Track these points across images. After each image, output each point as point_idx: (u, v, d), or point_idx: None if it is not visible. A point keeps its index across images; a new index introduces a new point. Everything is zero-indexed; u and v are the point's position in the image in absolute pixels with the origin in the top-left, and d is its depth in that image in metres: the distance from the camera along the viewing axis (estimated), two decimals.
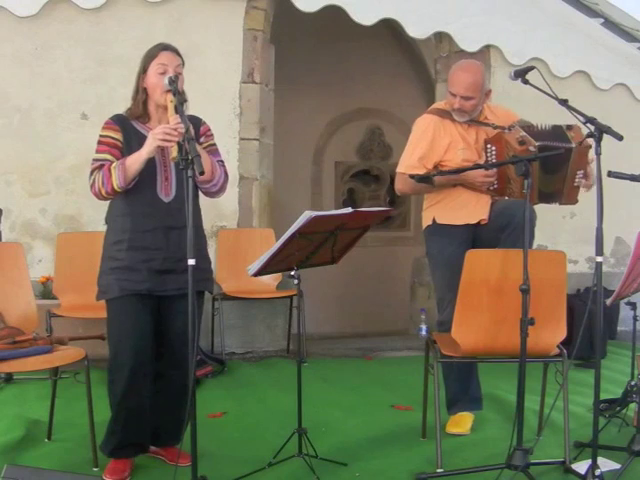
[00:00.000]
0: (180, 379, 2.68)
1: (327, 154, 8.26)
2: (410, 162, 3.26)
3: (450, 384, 3.36)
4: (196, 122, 2.79)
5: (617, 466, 2.77)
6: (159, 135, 2.51)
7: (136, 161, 2.58)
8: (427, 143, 3.25)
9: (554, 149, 2.95)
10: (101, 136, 2.70)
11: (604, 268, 2.57)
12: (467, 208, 3.26)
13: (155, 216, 2.68)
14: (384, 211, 3.04)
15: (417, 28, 5.27)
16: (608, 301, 3.03)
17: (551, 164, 3.04)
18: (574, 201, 3.20)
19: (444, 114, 3.29)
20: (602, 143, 2.55)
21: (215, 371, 4.40)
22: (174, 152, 2.43)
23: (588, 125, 2.59)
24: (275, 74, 5.48)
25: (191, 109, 2.75)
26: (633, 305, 3.42)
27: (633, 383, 3.26)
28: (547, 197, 3.19)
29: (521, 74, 2.87)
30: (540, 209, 3.19)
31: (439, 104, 3.45)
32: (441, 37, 5.67)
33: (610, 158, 2.86)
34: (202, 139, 2.80)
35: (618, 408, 3.41)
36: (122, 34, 4.86)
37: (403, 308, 6.98)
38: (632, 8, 5.79)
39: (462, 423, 3.32)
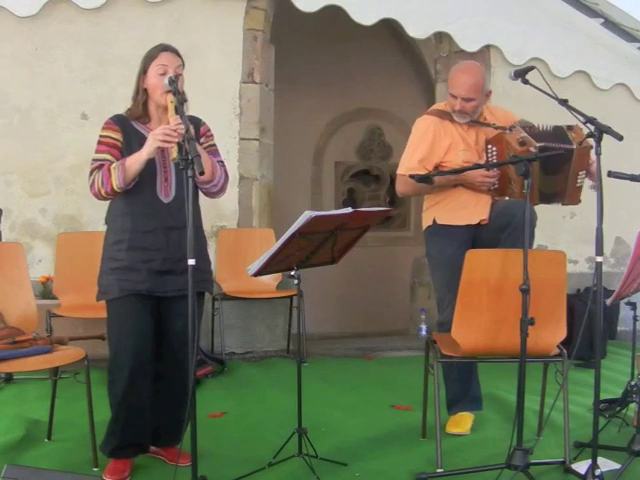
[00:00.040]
0: (180, 379, 2.67)
1: (327, 154, 8.26)
2: (410, 164, 3.26)
3: (450, 384, 3.36)
4: (196, 122, 2.79)
5: (617, 466, 2.77)
6: (159, 136, 2.50)
7: (136, 161, 2.58)
8: (427, 145, 3.25)
9: (555, 150, 2.95)
10: (101, 136, 2.70)
11: (604, 268, 2.57)
12: (467, 209, 3.26)
13: (155, 217, 2.68)
14: (384, 211, 3.04)
15: (417, 28, 5.27)
16: (608, 301, 3.03)
17: (551, 165, 3.04)
18: (577, 201, 3.21)
19: (444, 115, 3.29)
20: (602, 143, 2.56)
21: (215, 371, 4.39)
22: (174, 153, 2.43)
23: (588, 125, 2.60)
24: (275, 74, 5.47)
25: (191, 109, 2.75)
26: (633, 305, 3.42)
27: (633, 383, 3.26)
28: (549, 197, 3.20)
29: (521, 74, 2.87)
30: (540, 209, 3.19)
31: (439, 105, 3.45)
32: (441, 37, 5.67)
33: (610, 158, 2.86)
34: (202, 139, 2.80)
35: (618, 408, 3.41)
36: (122, 34, 4.86)
37: (403, 308, 6.98)
38: (632, 8, 5.80)
39: (462, 423, 3.32)
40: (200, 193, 2.84)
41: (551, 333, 2.81)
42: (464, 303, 2.78)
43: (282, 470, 2.82)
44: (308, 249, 2.77)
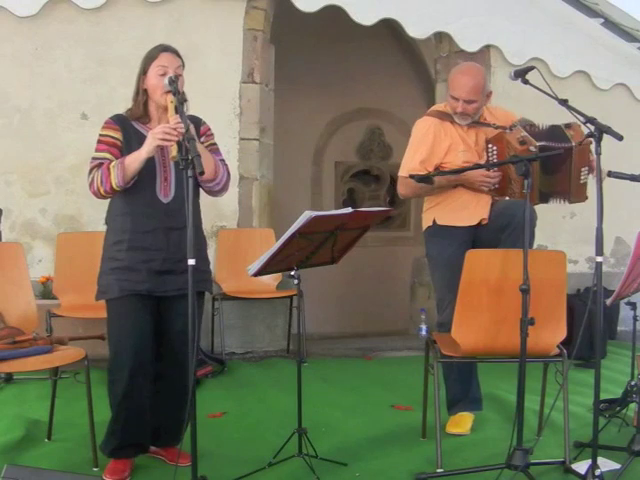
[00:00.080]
0: (180, 379, 2.67)
1: (327, 154, 8.26)
2: (412, 165, 3.26)
3: (450, 384, 3.36)
4: (196, 122, 2.79)
5: (617, 466, 2.77)
6: (159, 135, 2.51)
7: (135, 160, 2.58)
8: (428, 146, 3.25)
9: (554, 149, 2.95)
10: (101, 135, 2.70)
11: (604, 268, 2.57)
12: (468, 209, 3.26)
13: (155, 217, 2.68)
14: (384, 211, 3.04)
15: (417, 28, 5.27)
16: (608, 301, 3.03)
17: (550, 164, 3.04)
18: (583, 198, 3.19)
19: (444, 116, 3.29)
20: (602, 143, 2.55)
21: (215, 371, 4.39)
22: (174, 151, 2.43)
23: (588, 125, 2.59)
24: (275, 74, 5.47)
25: (191, 109, 2.75)
26: (633, 305, 3.42)
27: (633, 383, 3.26)
28: (548, 197, 3.19)
29: (521, 74, 2.87)
30: (540, 209, 3.19)
31: (438, 106, 3.45)
32: (441, 37, 5.67)
33: (610, 158, 2.86)
34: (202, 139, 2.80)
35: (618, 408, 3.41)
36: (122, 34, 4.86)
37: (403, 308, 6.98)
38: (632, 8, 5.80)
39: (462, 423, 3.32)
40: (201, 193, 2.84)
41: (551, 333, 2.81)
42: (464, 303, 2.78)
43: (282, 470, 2.82)
44: (308, 249, 2.77)
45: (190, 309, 2.32)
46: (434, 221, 3.32)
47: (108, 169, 2.59)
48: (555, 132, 3.07)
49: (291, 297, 4.97)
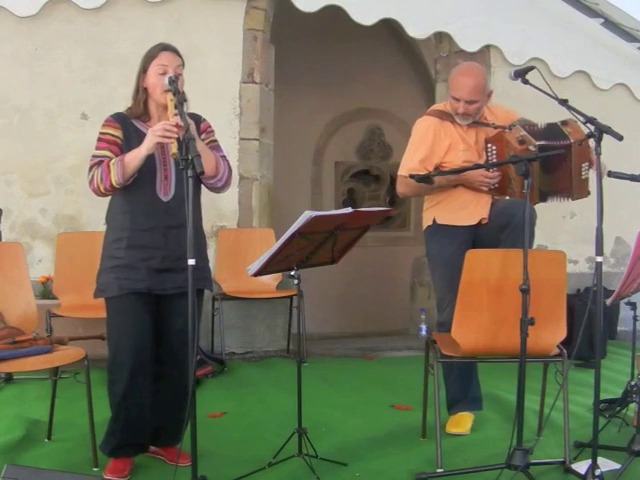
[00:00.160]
0: (180, 379, 2.67)
1: (327, 154, 8.25)
2: (411, 165, 3.26)
3: (450, 384, 3.36)
4: (196, 119, 2.79)
5: (617, 466, 2.77)
6: (158, 132, 2.51)
7: (135, 157, 2.58)
8: (427, 146, 3.25)
9: (553, 148, 2.94)
10: (101, 133, 2.70)
11: (604, 268, 2.57)
12: (468, 209, 3.27)
13: (154, 215, 2.68)
14: (384, 211, 3.04)
15: (417, 28, 5.27)
16: (608, 301, 3.03)
17: (550, 163, 3.04)
18: (586, 193, 3.18)
19: (444, 116, 3.29)
20: (602, 143, 2.55)
21: (215, 371, 4.39)
22: (174, 148, 2.44)
23: (588, 125, 2.59)
24: (275, 74, 5.47)
25: (191, 109, 2.76)
26: (633, 305, 3.42)
27: (633, 383, 3.26)
28: (552, 195, 3.18)
29: (521, 74, 2.87)
30: (540, 209, 3.19)
31: (438, 105, 3.45)
32: (441, 37, 5.67)
33: (610, 158, 2.86)
34: (203, 136, 2.80)
35: (618, 408, 3.41)
36: (122, 34, 4.86)
37: (403, 308, 6.98)
38: (632, 8, 5.79)
39: (462, 423, 3.32)
40: (201, 191, 2.84)
41: (551, 333, 2.81)
42: (464, 303, 2.78)
43: (282, 470, 2.82)
44: (308, 249, 2.77)
45: (190, 309, 2.32)
46: (434, 220, 3.33)
47: (108, 167, 2.59)
48: (553, 130, 3.07)
49: (291, 297, 4.97)
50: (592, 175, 3.04)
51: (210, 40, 5.01)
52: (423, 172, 3.20)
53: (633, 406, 3.21)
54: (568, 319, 2.83)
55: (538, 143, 2.97)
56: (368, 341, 5.96)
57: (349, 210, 2.66)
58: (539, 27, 5.59)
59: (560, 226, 5.71)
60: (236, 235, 5.07)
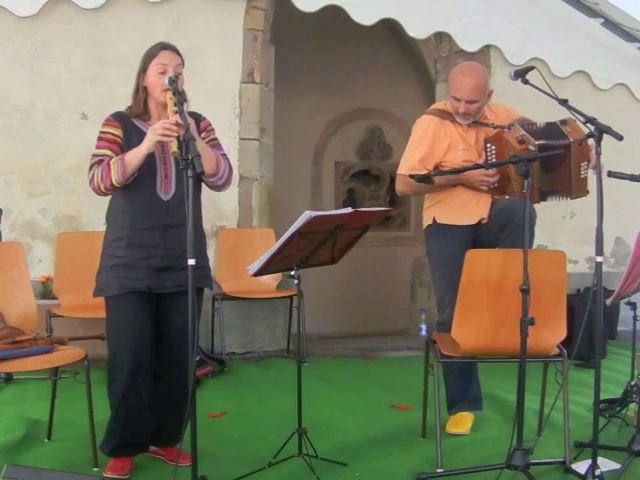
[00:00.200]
0: (180, 379, 2.67)
1: (327, 154, 8.25)
2: (411, 163, 3.26)
3: (450, 384, 3.36)
4: (196, 118, 2.80)
5: (617, 466, 2.77)
6: (158, 130, 2.51)
7: (135, 156, 2.58)
8: (427, 144, 3.25)
9: (552, 147, 2.94)
10: (101, 132, 2.70)
11: (604, 268, 2.57)
12: (467, 208, 3.27)
13: (153, 214, 2.68)
14: (384, 211, 3.04)
15: (417, 28, 5.27)
16: (608, 301, 3.03)
17: (549, 163, 3.04)
18: (584, 192, 3.18)
19: (444, 115, 3.29)
20: (602, 143, 2.55)
21: (215, 371, 4.39)
22: (174, 147, 2.44)
23: (588, 125, 2.59)
24: (275, 74, 5.47)
25: (191, 109, 2.76)
26: (633, 305, 3.42)
27: (633, 383, 3.26)
28: (551, 194, 3.18)
29: (521, 74, 2.87)
30: (540, 209, 3.19)
31: (439, 104, 3.45)
32: (441, 37, 5.67)
33: (610, 158, 2.86)
34: (203, 134, 2.80)
35: (618, 408, 3.41)
36: (122, 34, 4.86)
37: (403, 308, 6.98)
38: (632, 8, 5.80)
39: (462, 423, 3.32)
40: (202, 191, 2.84)
41: (551, 333, 2.81)
42: (464, 303, 2.78)
43: (282, 470, 2.82)
44: (308, 249, 2.77)
45: (190, 310, 2.32)
46: (434, 219, 3.33)
47: (108, 165, 2.60)
48: (552, 129, 3.07)
49: (291, 297, 4.97)
50: (591, 174, 3.04)
51: (210, 40, 5.01)
52: (423, 171, 3.20)
53: (633, 406, 3.21)
54: (568, 319, 2.83)
55: (537, 142, 2.97)
56: (368, 341, 5.96)
57: (349, 210, 2.66)
58: (539, 27, 5.59)
59: (560, 226, 5.71)
60: (236, 235, 5.07)
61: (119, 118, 2.72)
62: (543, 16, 5.60)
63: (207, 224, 3.36)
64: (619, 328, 5.58)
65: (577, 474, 2.70)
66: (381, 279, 7.98)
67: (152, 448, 2.92)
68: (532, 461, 2.68)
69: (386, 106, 8.02)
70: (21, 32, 4.77)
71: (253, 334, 5.13)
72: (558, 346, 2.88)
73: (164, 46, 2.71)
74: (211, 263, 3.07)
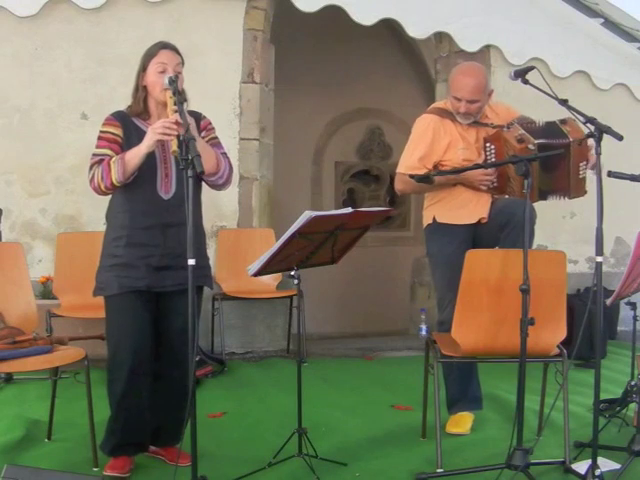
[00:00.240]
0: (180, 379, 2.67)
1: (327, 154, 8.25)
2: (410, 162, 3.26)
3: (450, 384, 3.36)
4: (196, 116, 2.80)
5: (617, 466, 2.77)
6: (158, 129, 2.51)
7: (135, 156, 2.58)
8: (427, 143, 3.24)
9: (552, 147, 2.94)
10: (101, 132, 2.70)
11: (604, 268, 2.57)
12: (467, 207, 3.27)
13: (153, 213, 2.68)
14: (384, 211, 3.04)
15: (417, 28, 5.27)
16: (608, 301, 3.03)
17: (549, 162, 3.04)
18: (583, 192, 3.18)
19: (444, 114, 3.29)
20: (602, 143, 2.55)
21: (215, 371, 4.39)
22: (174, 146, 2.43)
23: (588, 125, 2.59)
24: (275, 74, 5.47)
25: (191, 109, 2.75)
26: (633, 305, 3.42)
27: (633, 383, 3.26)
28: (550, 193, 3.18)
29: (521, 74, 2.87)
30: (540, 209, 3.19)
31: (439, 103, 3.46)
32: (441, 37, 5.67)
33: (610, 158, 2.86)
34: (203, 133, 2.80)
35: (618, 408, 3.41)
36: (122, 34, 4.86)
37: (403, 308, 6.98)
38: (632, 8, 5.80)
39: (462, 423, 3.32)
40: (202, 190, 2.84)
41: (551, 333, 2.81)
42: (464, 303, 2.78)
43: (282, 470, 2.82)
44: (308, 249, 2.77)
45: (190, 310, 2.32)
46: (434, 219, 3.33)
47: (109, 165, 2.60)
48: (552, 128, 3.07)
49: (291, 297, 4.97)
50: (590, 174, 3.04)
51: (210, 40, 5.01)
52: (422, 170, 3.20)
53: (633, 406, 3.21)
54: (568, 319, 2.83)
55: (537, 141, 2.97)
56: (368, 341, 5.96)
57: (349, 210, 2.66)
58: (539, 27, 5.59)
59: (560, 226, 5.71)
60: (236, 235, 5.07)
61: (119, 117, 2.72)
62: (543, 16, 5.61)
63: (207, 224, 3.36)
64: (619, 328, 5.58)
65: (577, 474, 2.70)
66: (381, 279, 7.98)
67: (152, 448, 2.92)
68: (532, 461, 2.68)
69: (386, 106, 8.02)
70: (21, 32, 4.77)
71: (253, 334, 5.13)
72: (558, 346, 2.88)
73: (164, 45, 2.71)
74: (211, 263, 3.07)
